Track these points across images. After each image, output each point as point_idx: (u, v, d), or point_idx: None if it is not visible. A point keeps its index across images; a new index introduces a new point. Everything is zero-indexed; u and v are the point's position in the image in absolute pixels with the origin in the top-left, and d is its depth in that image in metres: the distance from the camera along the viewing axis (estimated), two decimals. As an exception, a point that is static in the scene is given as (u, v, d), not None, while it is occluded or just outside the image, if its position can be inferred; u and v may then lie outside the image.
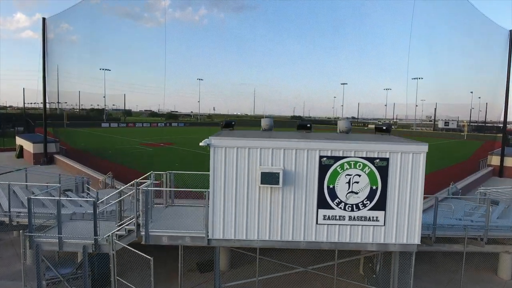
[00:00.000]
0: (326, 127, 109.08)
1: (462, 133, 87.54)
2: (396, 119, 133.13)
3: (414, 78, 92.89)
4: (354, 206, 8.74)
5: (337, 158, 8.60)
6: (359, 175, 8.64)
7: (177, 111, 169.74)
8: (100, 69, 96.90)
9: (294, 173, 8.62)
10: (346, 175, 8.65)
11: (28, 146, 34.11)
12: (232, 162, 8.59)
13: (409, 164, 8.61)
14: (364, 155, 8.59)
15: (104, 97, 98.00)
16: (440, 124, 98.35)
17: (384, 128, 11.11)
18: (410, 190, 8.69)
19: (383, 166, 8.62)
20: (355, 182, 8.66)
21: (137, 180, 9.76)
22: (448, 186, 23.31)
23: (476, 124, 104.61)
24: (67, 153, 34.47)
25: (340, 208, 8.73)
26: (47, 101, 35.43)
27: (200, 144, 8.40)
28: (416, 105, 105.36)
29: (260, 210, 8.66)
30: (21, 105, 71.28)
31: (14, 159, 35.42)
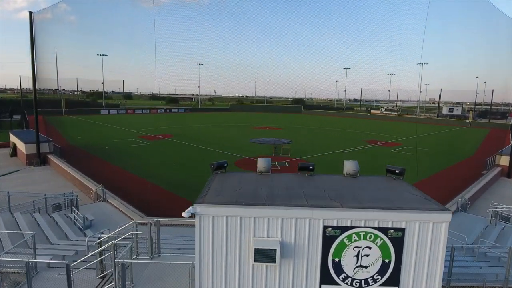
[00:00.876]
0: (328, 114, 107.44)
1: (466, 120, 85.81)
2: (399, 101, 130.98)
3: (419, 63, 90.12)
4: (363, 281, 7.55)
5: (344, 229, 7.34)
6: (370, 248, 7.40)
7: (177, 94, 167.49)
8: (98, 54, 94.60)
9: (294, 245, 7.39)
10: (355, 247, 7.41)
11: (20, 145, 32.91)
12: (221, 234, 7.34)
13: (429, 234, 7.35)
14: (376, 225, 7.32)
15: (102, 83, 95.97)
16: (444, 111, 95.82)
17: (397, 171, 9.78)
18: (428, 263, 7.47)
19: (397, 237, 7.37)
20: (364, 255, 7.44)
21: (115, 241, 8.60)
22: (453, 193, 22.27)
23: (480, 107, 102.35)
24: (61, 153, 33.29)
25: (347, 283, 7.55)
26: (44, 87, 34.06)
27: (183, 214, 7.13)
28: (420, 91, 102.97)
29: (254, 288, 7.49)
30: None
31: (7, 158, 34.41)
